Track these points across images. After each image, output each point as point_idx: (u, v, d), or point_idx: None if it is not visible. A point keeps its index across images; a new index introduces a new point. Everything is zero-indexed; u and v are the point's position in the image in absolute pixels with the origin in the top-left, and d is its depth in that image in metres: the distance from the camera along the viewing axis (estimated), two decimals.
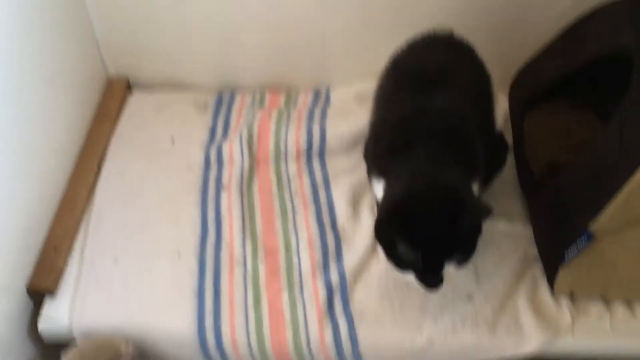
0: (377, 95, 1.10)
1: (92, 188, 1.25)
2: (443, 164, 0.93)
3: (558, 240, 1.00)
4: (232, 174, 1.26)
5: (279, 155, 1.29)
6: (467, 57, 1.08)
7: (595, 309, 1.04)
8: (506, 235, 1.14)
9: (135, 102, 1.43)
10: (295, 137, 1.30)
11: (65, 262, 1.13)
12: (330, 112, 1.36)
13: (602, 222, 0.92)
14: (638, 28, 1.00)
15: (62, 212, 1.19)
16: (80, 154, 1.29)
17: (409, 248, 0.88)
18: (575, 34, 1.16)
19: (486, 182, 1.14)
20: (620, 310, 1.04)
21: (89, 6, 1.33)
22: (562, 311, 1.03)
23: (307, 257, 1.13)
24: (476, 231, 0.90)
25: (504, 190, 1.19)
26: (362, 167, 1.19)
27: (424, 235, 0.87)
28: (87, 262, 1.13)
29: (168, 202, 1.22)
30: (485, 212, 0.89)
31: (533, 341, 1.00)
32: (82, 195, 1.22)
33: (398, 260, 0.92)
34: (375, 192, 1.00)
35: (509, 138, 1.20)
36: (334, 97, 1.41)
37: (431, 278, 0.91)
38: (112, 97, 1.41)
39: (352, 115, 1.31)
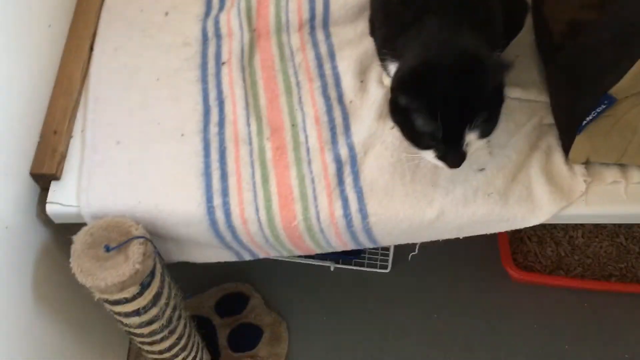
0: None
1: (87, 66, 1.19)
2: (460, 32, 0.87)
3: (576, 106, 0.96)
4: (231, 49, 1.19)
5: (280, 27, 1.22)
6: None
7: (610, 175, 1.02)
8: (521, 103, 1.09)
9: None
10: (297, 6, 1.22)
11: (66, 145, 1.11)
12: None
13: (624, 84, 0.87)
14: None
15: (58, 94, 1.14)
16: (70, 31, 1.22)
17: (427, 115, 0.84)
18: None
19: (503, 48, 1.08)
20: (636, 175, 1.01)
21: None
22: (576, 179, 1.02)
23: (314, 133, 1.09)
24: (498, 93, 0.86)
25: (519, 55, 1.13)
26: (369, 37, 1.12)
27: (442, 97, 0.83)
28: (89, 145, 1.11)
29: (166, 80, 1.17)
30: (505, 66, 0.83)
31: (545, 210, 0.99)
32: (77, 75, 1.17)
33: (416, 136, 0.88)
34: (390, 74, 0.95)
35: None
36: None
37: (453, 152, 0.87)
38: None
39: None
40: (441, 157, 0.88)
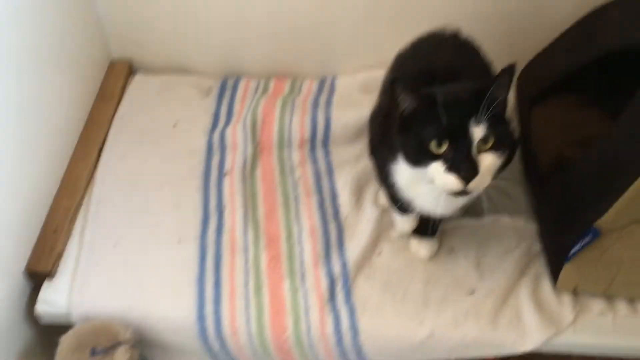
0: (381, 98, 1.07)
1: (93, 171, 1.24)
2: None
3: (563, 236, 0.99)
4: (234, 160, 1.25)
5: (283, 143, 1.28)
6: (472, 56, 1.03)
7: (598, 306, 1.03)
8: (510, 229, 1.13)
9: (138, 85, 1.41)
10: (299, 125, 1.29)
11: (64, 244, 1.13)
12: (336, 100, 1.34)
13: (608, 219, 0.91)
14: None
15: (62, 195, 1.18)
16: (81, 136, 1.28)
17: (430, 110, 0.78)
18: (585, 28, 1.15)
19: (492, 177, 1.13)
20: (622, 307, 1.03)
21: None
22: (565, 308, 1.03)
23: (309, 246, 1.12)
24: (503, 109, 0.82)
25: (509, 184, 1.18)
26: (366, 157, 1.18)
27: (448, 94, 0.80)
28: (87, 246, 1.12)
29: (169, 187, 1.21)
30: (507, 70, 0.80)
31: (535, 337, 1.00)
32: (83, 178, 1.21)
33: (420, 147, 0.80)
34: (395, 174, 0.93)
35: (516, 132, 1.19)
36: (339, 85, 1.39)
37: (463, 159, 0.78)
38: (115, 79, 1.39)
39: (357, 104, 1.30)
40: (450, 166, 0.79)
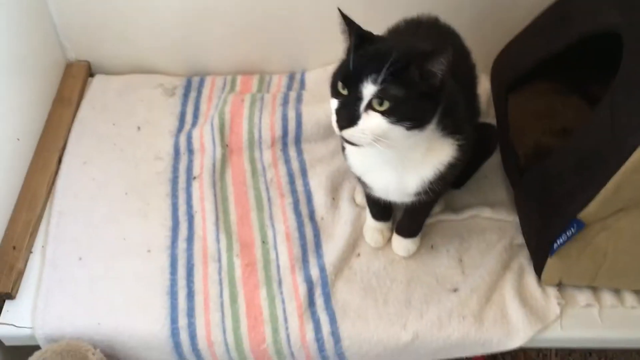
0: None
1: (53, 180, 1.17)
2: None
3: (546, 229, 0.96)
4: (203, 164, 1.19)
5: (253, 143, 1.23)
6: (452, 42, 0.99)
7: (583, 299, 1.01)
8: (491, 223, 1.11)
9: (97, 86, 1.34)
10: (269, 123, 1.24)
11: (25, 262, 1.06)
12: (306, 96, 1.30)
13: (592, 209, 0.89)
14: (626, 5, 0.96)
15: (21, 208, 1.11)
16: (39, 144, 1.21)
17: (356, 51, 0.77)
18: (559, 12, 1.11)
19: (472, 170, 1.10)
20: (608, 299, 1.01)
21: None
22: (550, 301, 1.01)
23: (284, 251, 1.07)
24: (431, 85, 0.77)
25: (487, 176, 1.16)
26: (340, 156, 1.14)
27: (376, 41, 0.79)
28: (49, 262, 1.06)
29: (135, 194, 1.15)
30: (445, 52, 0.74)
31: (522, 334, 0.97)
32: (42, 188, 1.14)
33: (334, 78, 0.80)
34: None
35: (493, 121, 1.16)
36: (309, 80, 1.35)
37: (345, 109, 0.77)
38: (72, 82, 1.32)
39: (328, 99, 1.24)
40: (336, 109, 0.79)
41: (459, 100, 0.87)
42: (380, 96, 0.75)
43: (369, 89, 0.75)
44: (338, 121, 0.78)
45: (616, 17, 0.96)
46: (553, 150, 1.00)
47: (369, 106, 0.76)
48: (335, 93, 0.80)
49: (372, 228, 1.08)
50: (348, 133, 0.78)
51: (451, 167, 0.88)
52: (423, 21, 1.00)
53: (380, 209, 1.05)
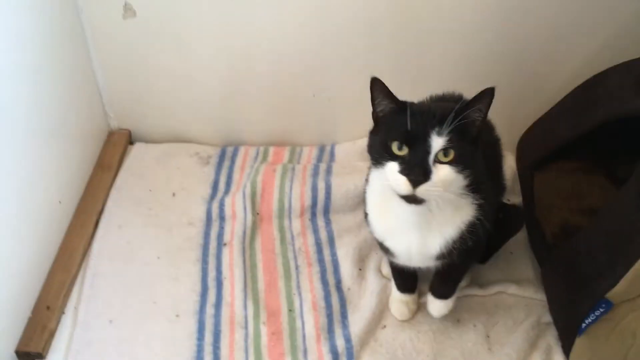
0: None
1: (90, 242, 1.21)
2: None
3: (574, 309, 0.96)
4: (234, 231, 1.22)
5: (283, 212, 1.26)
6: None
7: None
8: (518, 300, 1.10)
9: (136, 154, 1.40)
10: (299, 193, 1.27)
11: (57, 322, 1.08)
12: (335, 168, 1.34)
13: (620, 290, 0.88)
14: None
15: (57, 269, 1.15)
16: (78, 207, 1.26)
17: (400, 115, 0.81)
18: (586, 95, 1.15)
19: (497, 245, 1.11)
20: None
21: (93, 60, 1.32)
22: None
23: (311, 320, 1.08)
24: (477, 130, 0.83)
25: (514, 254, 1.16)
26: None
27: (421, 105, 0.85)
28: (81, 323, 1.08)
29: (167, 258, 1.18)
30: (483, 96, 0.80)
31: None
32: (79, 250, 1.18)
33: (383, 143, 0.82)
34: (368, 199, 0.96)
35: (518, 197, 1.18)
36: (339, 152, 1.39)
37: (417, 165, 0.79)
38: (113, 149, 1.39)
39: (357, 171, 1.29)
40: (404, 168, 0.79)
41: (479, 159, 0.89)
42: (447, 147, 0.79)
43: (437, 142, 0.79)
44: (411, 179, 0.79)
45: None
46: (581, 228, 1.01)
47: (435, 159, 0.80)
48: (388, 156, 0.81)
49: (398, 300, 1.09)
50: (423, 188, 0.79)
51: (473, 227, 0.89)
52: (447, 98, 1.04)
53: (406, 279, 1.06)
